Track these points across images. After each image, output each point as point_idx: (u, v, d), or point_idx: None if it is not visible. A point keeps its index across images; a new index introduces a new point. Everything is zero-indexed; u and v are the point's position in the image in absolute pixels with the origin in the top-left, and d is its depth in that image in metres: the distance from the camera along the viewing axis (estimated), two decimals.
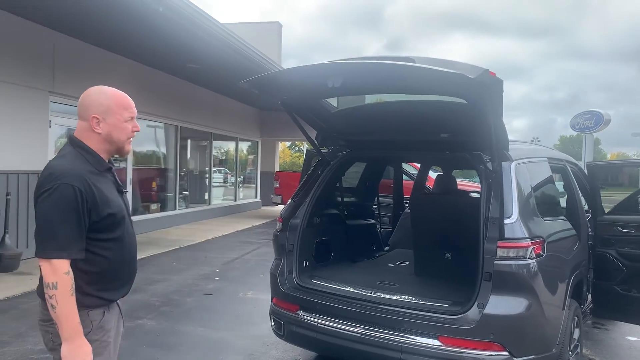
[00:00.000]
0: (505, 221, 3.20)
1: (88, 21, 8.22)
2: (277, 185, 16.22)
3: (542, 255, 3.26)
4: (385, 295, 3.60)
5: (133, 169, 11.56)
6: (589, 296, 4.83)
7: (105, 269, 2.10)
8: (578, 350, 4.08)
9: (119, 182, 2.29)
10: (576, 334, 3.96)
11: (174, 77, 12.51)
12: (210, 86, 14.19)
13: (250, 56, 10.33)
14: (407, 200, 6.00)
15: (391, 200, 6.16)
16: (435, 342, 3.17)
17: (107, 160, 2.20)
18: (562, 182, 5.03)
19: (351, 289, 3.70)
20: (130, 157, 11.07)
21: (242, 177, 19.61)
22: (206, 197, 15.98)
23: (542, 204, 3.70)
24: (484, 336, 3.08)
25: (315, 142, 4.40)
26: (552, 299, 3.37)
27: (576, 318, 3.89)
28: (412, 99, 3.77)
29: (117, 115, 2.15)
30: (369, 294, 3.61)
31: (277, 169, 21.35)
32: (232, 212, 17.01)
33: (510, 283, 3.13)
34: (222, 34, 8.89)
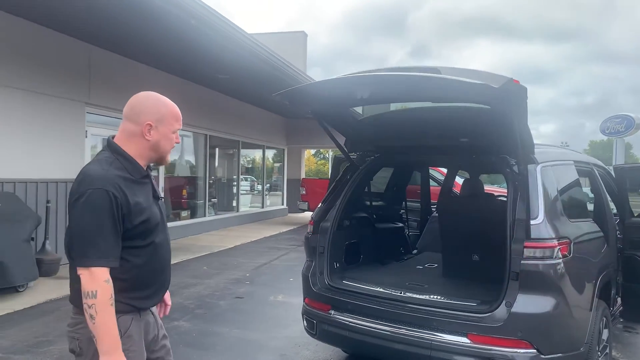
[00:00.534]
0: (532, 222, 3.28)
1: (122, 35, 8.54)
2: (304, 192, 16.38)
3: (569, 255, 3.32)
4: (414, 295, 3.71)
5: (165, 177, 11.88)
6: (619, 299, 4.85)
7: (136, 276, 2.06)
8: (607, 351, 4.11)
9: (155, 188, 2.25)
10: (605, 334, 3.99)
11: (204, 88, 12.81)
12: (238, 96, 14.47)
13: (277, 65, 10.54)
14: (434, 204, 6.09)
15: (419, 205, 6.27)
16: (464, 340, 3.26)
17: (145, 168, 2.16)
18: (590, 186, 5.08)
19: (381, 289, 3.81)
20: (162, 166, 11.36)
21: (268, 185, 19.87)
22: (234, 204, 16.24)
23: (568, 205, 3.76)
24: (512, 334, 3.16)
25: (344, 148, 4.54)
26: (579, 299, 3.44)
27: (604, 319, 3.92)
28: (437, 106, 3.88)
29: (169, 126, 2.14)
30: (398, 294, 3.72)
31: (303, 176, 21.54)
32: (259, 219, 17.24)
33: (537, 282, 3.20)
34: (250, 44, 9.12)
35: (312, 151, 46.76)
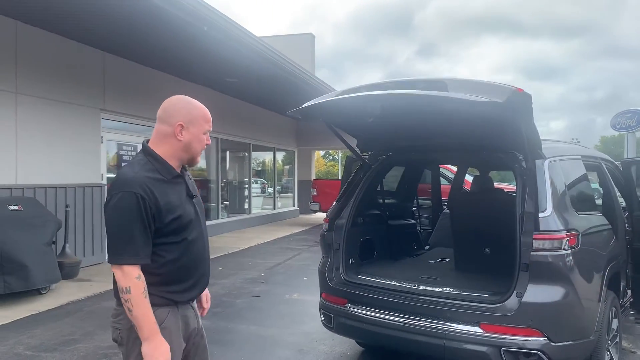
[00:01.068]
0: (540, 215, 3.39)
1: (135, 42, 8.74)
2: (315, 193, 16.52)
3: (577, 246, 3.43)
4: (427, 288, 3.84)
5: None
6: (629, 292, 4.95)
7: (170, 272, 2.16)
8: (617, 340, 4.21)
9: (190, 187, 2.33)
10: (615, 324, 4.10)
11: (215, 92, 13.01)
12: (248, 99, 14.66)
13: (285, 67, 10.70)
14: (445, 202, 6.22)
15: (430, 202, 6.39)
16: (477, 329, 3.39)
17: (177, 168, 2.25)
18: (598, 180, 5.18)
19: (395, 283, 3.94)
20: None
21: (279, 187, 20.03)
22: (246, 206, 16.42)
23: (576, 199, 3.87)
24: (523, 323, 3.28)
25: (356, 149, 4.68)
26: (587, 288, 3.55)
27: (614, 309, 4.03)
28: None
29: (199, 127, 2.23)
30: (412, 287, 3.85)
31: (313, 177, 21.69)
32: (271, 221, 17.41)
33: (546, 273, 3.32)
34: (260, 47, 9.30)
35: (321, 153, 46.93)
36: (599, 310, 3.64)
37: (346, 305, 3.97)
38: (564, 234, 3.38)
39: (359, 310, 3.88)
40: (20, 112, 7.61)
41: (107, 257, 2.09)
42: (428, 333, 3.53)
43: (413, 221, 5.65)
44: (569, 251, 3.37)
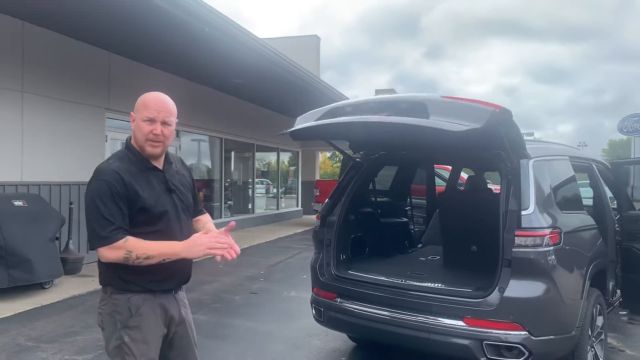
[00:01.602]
0: (523, 212, 3.49)
1: (139, 42, 8.90)
2: (318, 194, 16.61)
3: (559, 244, 3.52)
4: (414, 283, 3.94)
5: None
6: (619, 292, 5.02)
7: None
8: (602, 337, 4.29)
9: (170, 180, 2.37)
10: (599, 321, 4.18)
11: (219, 92, 13.16)
12: (253, 99, 14.80)
13: (287, 68, 10.83)
14: None
15: (425, 202, 6.49)
16: (460, 323, 3.49)
17: (155, 161, 2.32)
18: (589, 181, 5.25)
19: (383, 278, 4.05)
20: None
21: (283, 189, 20.16)
22: (250, 206, 16.56)
23: (561, 198, 3.96)
24: (504, 317, 3.38)
25: (348, 151, 4.82)
26: (569, 285, 3.64)
27: (598, 306, 4.11)
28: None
29: (139, 114, 2.27)
30: (399, 282, 3.96)
31: (317, 178, 21.80)
32: (274, 221, 17.54)
33: (527, 269, 3.42)
34: (261, 48, 9.44)
35: (328, 154, 47.03)
36: (581, 306, 3.72)
37: (336, 299, 4.09)
38: (545, 231, 3.48)
39: (348, 304, 4.00)
40: (26, 111, 7.78)
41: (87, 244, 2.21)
42: (413, 326, 3.63)
43: (405, 219, 5.75)
44: (551, 248, 3.46)
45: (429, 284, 3.92)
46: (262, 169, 19.22)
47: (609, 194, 5.24)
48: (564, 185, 4.19)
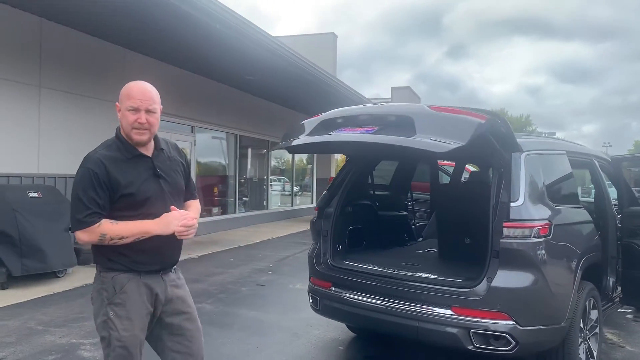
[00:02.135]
0: (512, 204, 3.54)
1: (154, 39, 9.10)
2: None
3: (549, 236, 3.56)
4: (406, 273, 4.03)
5: (197, 176, 12.41)
6: (619, 288, 5.02)
7: (129, 243, 2.34)
8: (597, 331, 4.31)
9: (159, 166, 2.49)
10: (594, 314, 4.21)
11: (234, 89, 13.32)
12: (267, 96, 14.95)
13: (300, 65, 10.94)
14: None
15: (429, 197, 6.55)
16: (448, 312, 3.56)
17: (143, 148, 2.44)
18: (590, 177, 5.26)
19: (377, 268, 4.14)
20: (193, 165, 11.90)
21: (299, 187, 20.28)
22: (264, 202, 16.72)
23: (554, 191, 3.99)
24: (492, 306, 3.44)
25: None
26: (558, 276, 3.67)
27: (592, 300, 4.14)
28: None
29: (123, 104, 2.39)
30: (392, 272, 4.04)
31: (332, 175, 21.87)
32: (288, 217, 17.68)
33: (515, 259, 3.47)
34: (272, 45, 9.56)
35: None
36: (571, 298, 3.75)
37: (330, 288, 4.19)
38: (535, 223, 3.52)
39: (342, 293, 4.09)
40: (43, 105, 8.02)
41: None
42: (403, 315, 3.71)
43: (405, 213, 5.82)
44: (540, 240, 3.51)
45: (421, 274, 4.00)
46: (279, 167, 19.35)
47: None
48: (559, 179, 4.22)
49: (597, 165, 5.10)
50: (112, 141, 2.47)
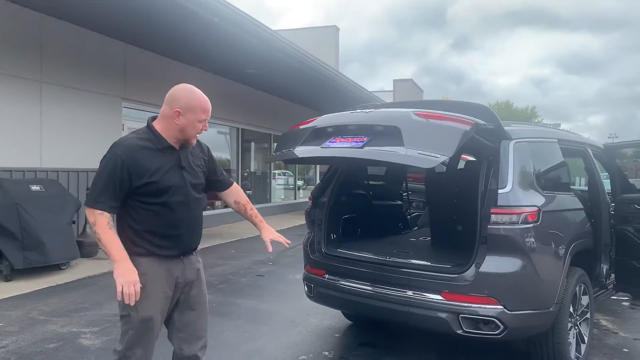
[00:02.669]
0: (500, 191, 3.59)
1: (154, 33, 9.16)
2: None
3: (537, 222, 3.61)
4: (398, 260, 4.09)
5: None
6: (612, 275, 5.06)
7: (149, 227, 2.52)
8: (588, 316, 4.36)
9: (184, 159, 2.65)
10: (585, 300, 4.25)
11: (235, 83, 13.39)
12: (269, 90, 15.00)
13: (301, 59, 10.98)
14: None
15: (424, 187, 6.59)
16: (438, 297, 3.62)
17: (174, 142, 2.60)
18: (584, 165, 5.29)
19: (369, 255, 4.21)
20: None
21: (302, 181, 20.35)
22: (267, 195, 16.81)
23: (544, 179, 4.02)
24: (480, 291, 3.49)
25: None
26: (546, 262, 3.71)
27: (583, 285, 4.18)
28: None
29: (195, 115, 2.58)
30: (384, 259, 4.10)
31: None
32: (292, 210, 17.77)
33: (503, 245, 3.52)
34: (271, 38, 9.62)
35: None
36: (560, 283, 3.79)
37: (324, 275, 4.26)
38: (523, 209, 3.57)
39: (334, 280, 4.17)
40: (45, 100, 8.12)
41: None
42: (394, 300, 3.78)
43: (400, 202, 5.87)
44: (528, 226, 3.55)
45: (412, 261, 4.06)
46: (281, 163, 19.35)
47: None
48: (549, 167, 4.25)
49: (591, 153, 5.13)
50: (143, 130, 2.61)
